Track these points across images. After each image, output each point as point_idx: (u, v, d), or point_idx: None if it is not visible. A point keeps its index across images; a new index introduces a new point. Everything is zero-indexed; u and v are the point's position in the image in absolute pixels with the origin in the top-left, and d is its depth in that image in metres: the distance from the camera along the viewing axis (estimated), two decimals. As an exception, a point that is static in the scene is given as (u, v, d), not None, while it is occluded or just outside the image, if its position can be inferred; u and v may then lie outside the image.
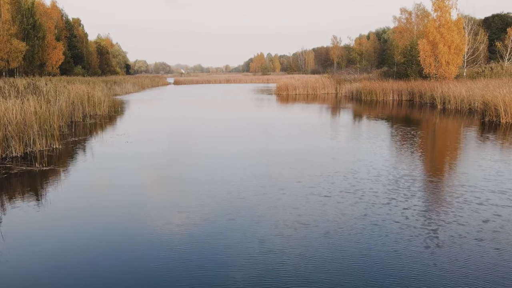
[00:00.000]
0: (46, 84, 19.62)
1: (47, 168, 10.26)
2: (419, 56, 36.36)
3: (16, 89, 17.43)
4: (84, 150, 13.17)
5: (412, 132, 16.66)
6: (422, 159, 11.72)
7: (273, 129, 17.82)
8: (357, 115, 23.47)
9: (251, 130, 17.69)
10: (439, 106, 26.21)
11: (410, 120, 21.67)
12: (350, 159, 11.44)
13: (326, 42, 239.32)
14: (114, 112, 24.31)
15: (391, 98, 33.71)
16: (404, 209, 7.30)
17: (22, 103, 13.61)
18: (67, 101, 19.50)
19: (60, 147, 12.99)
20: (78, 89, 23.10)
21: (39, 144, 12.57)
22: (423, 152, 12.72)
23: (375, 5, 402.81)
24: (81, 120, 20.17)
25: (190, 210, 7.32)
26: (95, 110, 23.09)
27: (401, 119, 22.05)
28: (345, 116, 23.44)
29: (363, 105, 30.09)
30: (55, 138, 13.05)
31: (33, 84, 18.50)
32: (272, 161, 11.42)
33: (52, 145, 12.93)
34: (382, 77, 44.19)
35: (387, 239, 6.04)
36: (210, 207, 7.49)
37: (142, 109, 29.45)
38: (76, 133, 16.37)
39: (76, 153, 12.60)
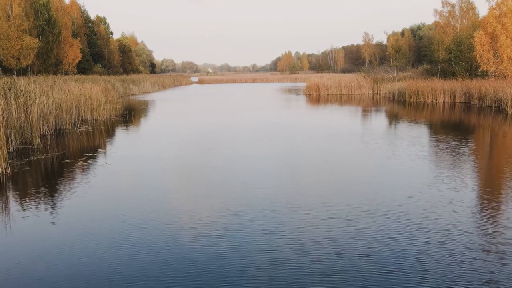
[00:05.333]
0: (28, 84, 16.05)
1: None
2: (473, 51, 31.41)
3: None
4: (41, 176, 9.38)
5: (502, 149, 12.19)
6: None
7: (306, 139, 13.61)
8: (410, 122, 18.91)
9: (277, 144, 13.55)
10: (509, 111, 21.35)
11: (483, 129, 17.06)
12: (437, 200, 7.16)
13: (356, 40, 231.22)
14: (115, 117, 20.63)
15: (441, 99, 28.85)
16: None
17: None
18: (54, 104, 15.94)
19: (8, 171, 9.24)
20: (74, 89, 19.55)
21: (-23, 168, 8.87)
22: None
23: (406, 3, 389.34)
24: (69, 128, 16.53)
25: None
26: (92, 114, 19.50)
27: (471, 128, 17.47)
28: (395, 122, 18.97)
29: (410, 109, 25.46)
30: (2, 159, 9.28)
31: (9, 84, 14.96)
32: (304, 205, 7.27)
33: (-2, 169, 9.20)
34: (424, 75, 39.32)
35: None
36: None
37: (152, 111, 25.78)
38: (52, 146, 12.67)
39: (26, 183, 8.79)
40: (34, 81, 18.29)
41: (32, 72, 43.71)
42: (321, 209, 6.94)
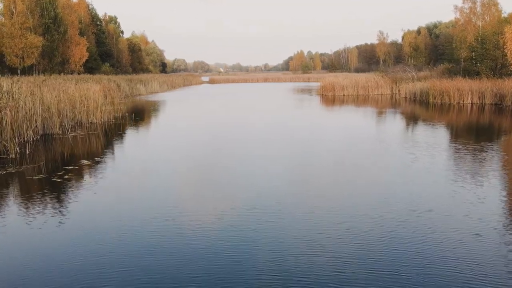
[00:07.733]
0: (11, 84, 14.37)
1: None
2: (499, 49, 29.17)
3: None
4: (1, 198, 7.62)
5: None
6: None
7: (326, 146, 11.68)
8: (440, 126, 16.76)
9: (292, 148, 11.62)
10: (551, 114, 19.15)
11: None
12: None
13: (369, 39, 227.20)
14: (115, 119, 18.88)
15: (469, 101, 26.59)
16: None
17: None
18: (42, 106, 14.24)
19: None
20: (69, 89, 17.88)
21: None
22: None
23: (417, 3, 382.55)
24: (60, 133, 14.79)
25: None
26: (88, 117, 17.79)
27: None
28: (424, 127, 16.83)
29: (436, 111, 23.32)
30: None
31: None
32: (326, 244, 5.34)
33: None
34: (445, 74, 37.06)
35: None
36: None
37: (156, 113, 24.02)
38: (32, 156, 10.91)
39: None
40: (18, 80, 16.58)
41: (37, 72, 42.40)
42: (354, 248, 5.00)
